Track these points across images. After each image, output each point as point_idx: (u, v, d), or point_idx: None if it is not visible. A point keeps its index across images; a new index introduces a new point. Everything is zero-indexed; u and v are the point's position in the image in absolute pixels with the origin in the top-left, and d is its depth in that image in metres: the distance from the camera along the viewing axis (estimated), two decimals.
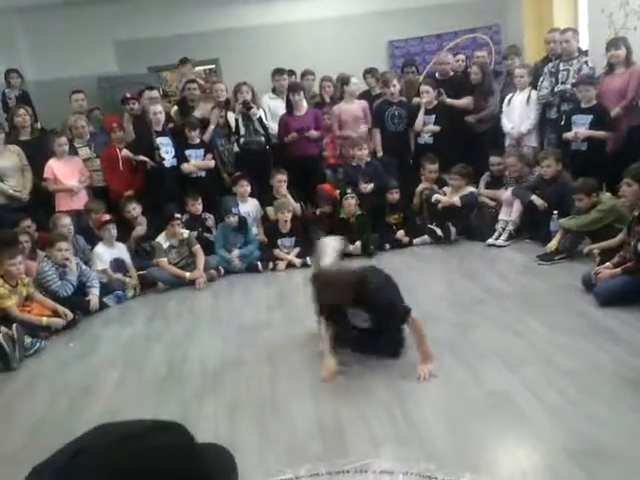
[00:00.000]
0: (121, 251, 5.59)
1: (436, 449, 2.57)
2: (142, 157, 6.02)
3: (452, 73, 6.75)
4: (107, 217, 5.58)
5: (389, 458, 2.56)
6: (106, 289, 5.26)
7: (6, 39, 7.73)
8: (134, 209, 5.80)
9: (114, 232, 5.52)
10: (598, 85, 5.58)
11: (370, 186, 6.07)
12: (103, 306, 5.15)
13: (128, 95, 6.68)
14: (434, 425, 2.75)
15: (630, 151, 5.40)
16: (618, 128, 5.48)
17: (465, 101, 6.48)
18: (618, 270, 3.97)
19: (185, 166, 6.11)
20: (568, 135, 5.51)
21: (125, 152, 6.07)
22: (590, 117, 5.41)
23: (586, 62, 5.93)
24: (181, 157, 6.13)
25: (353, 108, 6.59)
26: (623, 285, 3.85)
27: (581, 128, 5.45)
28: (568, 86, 5.84)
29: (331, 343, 3.46)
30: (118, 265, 5.49)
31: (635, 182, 3.94)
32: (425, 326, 3.35)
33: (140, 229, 5.80)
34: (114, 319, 5.00)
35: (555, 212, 5.19)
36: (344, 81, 6.64)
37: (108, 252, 5.50)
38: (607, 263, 4.10)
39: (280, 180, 6.05)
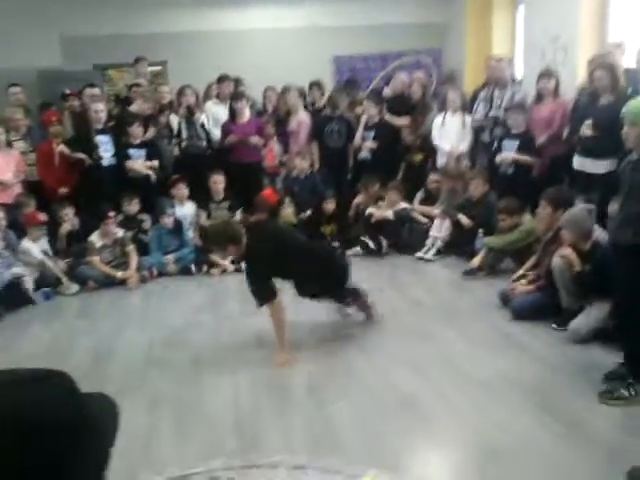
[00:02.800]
0: (44, 244, 5.53)
1: (347, 446, 2.71)
2: (80, 154, 5.97)
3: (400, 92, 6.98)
4: (42, 218, 5.50)
5: (301, 453, 2.66)
6: (41, 282, 5.20)
7: None
8: (66, 215, 5.75)
9: (43, 232, 5.47)
10: (528, 113, 5.89)
11: (308, 212, 6.21)
12: (31, 302, 5.08)
13: (68, 91, 6.62)
14: (347, 424, 2.89)
15: (553, 177, 5.73)
16: (544, 155, 5.79)
17: (403, 120, 6.70)
18: (532, 287, 4.23)
19: (130, 163, 6.09)
20: (497, 158, 5.79)
21: (62, 148, 6.01)
22: (517, 142, 5.70)
23: (519, 91, 6.24)
24: (123, 155, 6.10)
25: (294, 120, 6.75)
26: (535, 301, 4.10)
27: (509, 152, 5.74)
28: (501, 112, 6.13)
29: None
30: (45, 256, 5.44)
31: (548, 205, 4.21)
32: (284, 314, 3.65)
33: (67, 225, 5.72)
34: (41, 315, 4.93)
35: (480, 230, 5.45)
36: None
37: (35, 246, 5.43)
38: (522, 280, 4.35)
39: (216, 181, 6.10)
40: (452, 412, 2.95)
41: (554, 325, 3.91)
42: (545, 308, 4.02)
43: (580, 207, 3.99)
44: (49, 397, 0.69)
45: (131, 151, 6.14)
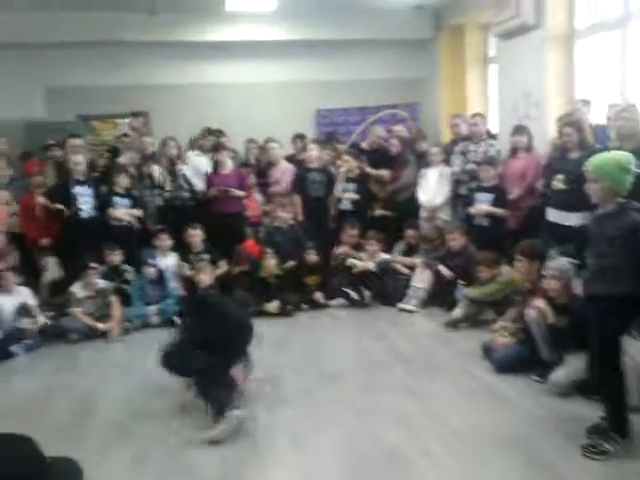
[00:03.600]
0: (23, 295, 5.45)
1: None
2: (58, 205, 5.99)
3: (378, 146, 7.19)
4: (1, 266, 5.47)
5: None
6: (14, 337, 5.13)
7: None
8: (48, 263, 5.72)
9: (11, 280, 5.41)
10: (498, 167, 6.10)
11: (291, 263, 6.27)
12: (10, 355, 5.02)
13: (51, 142, 6.68)
14: (331, 477, 2.89)
15: (529, 228, 5.89)
16: (519, 207, 5.96)
17: (382, 173, 6.87)
18: (513, 339, 4.30)
19: (111, 211, 6.12)
20: (470, 210, 5.98)
21: (41, 200, 6.02)
22: (490, 195, 5.90)
23: (492, 145, 6.47)
24: (107, 203, 6.14)
25: (278, 172, 6.89)
26: (517, 354, 4.17)
27: (483, 205, 5.92)
28: (476, 166, 6.34)
29: None
30: (24, 311, 5.36)
31: (524, 257, 4.33)
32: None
33: (49, 274, 5.69)
34: (20, 369, 4.88)
35: (461, 282, 5.55)
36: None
37: (9, 300, 5.35)
38: (502, 331, 4.43)
39: (191, 235, 6.15)
40: (436, 467, 2.96)
41: (535, 377, 3.96)
42: (526, 360, 4.08)
43: (565, 259, 4.11)
44: (12, 461, 0.71)
45: (116, 199, 6.18)
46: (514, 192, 5.90)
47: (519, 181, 5.99)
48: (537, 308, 3.91)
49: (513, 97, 6.97)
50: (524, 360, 4.10)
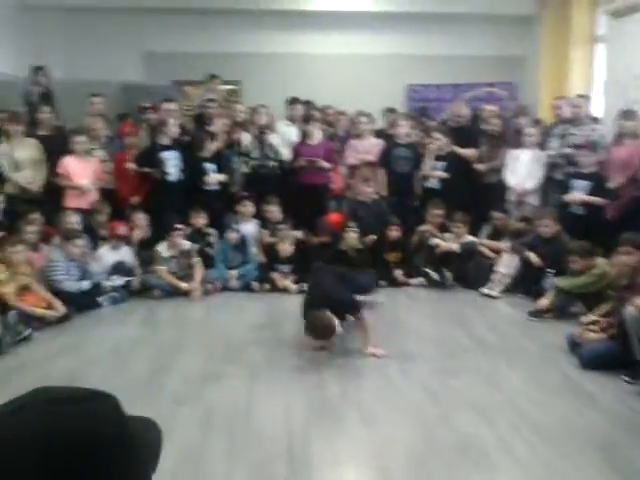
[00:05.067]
0: (125, 254, 5.69)
1: None
2: (146, 169, 6.15)
3: (463, 124, 6.92)
4: (122, 232, 5.71)
5: None
6: (102, 288, 5.35)
7: (38, 37, 7.93)
8: (139, 220, 5.93)
9: (123, 242, 5.69)
10: (600, 153, 5.73)
11: (372, 238, 6.15)
12: (97, 305, 5.24)
13: (146, 105, 6.84)
14: (400, 461, 2.81)
15: (629, 220, 5.53)
16: (620, 197, 5.60)
17: (470, 152, 6.60)
18: (603, 335, 4.05)
19: (206, 178, 6.22)
20: (566, 197, 5.66)
21: (129, 165, 6.19)
22: (588, 183, 5.56)
23: (595, 129, 6.09)
24: (197, 169, 6.23)
25: (365, 145, 6.76)
26: (607, 350, 3.92)
27: (580, 192, 5.59)
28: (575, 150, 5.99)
29: None
30: (120, 268, 5.59)
31: (637, 250, 4.04)
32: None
33: (139, 232, 5.89)
34: (107, 319, 5.08)
35: (550, 270, 5.29)
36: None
37: (111, 254, 5.61)
38: (592, 326, 4.18)
39: (268, 210, 6.20)
40: (512, 459, 2.83)
41: (625, 377, 3.72)
42: (617, 358, 3.83)
43: None
44: (99, 415, 0.70)
45: (205, 164, 6.27)
46: (615, 180, 5.54)
47: (622, 169, 5.62)
48: (638, 306, 3.65)
49: (622, 80, 6.54)
50: (614, 358, 3.85)
